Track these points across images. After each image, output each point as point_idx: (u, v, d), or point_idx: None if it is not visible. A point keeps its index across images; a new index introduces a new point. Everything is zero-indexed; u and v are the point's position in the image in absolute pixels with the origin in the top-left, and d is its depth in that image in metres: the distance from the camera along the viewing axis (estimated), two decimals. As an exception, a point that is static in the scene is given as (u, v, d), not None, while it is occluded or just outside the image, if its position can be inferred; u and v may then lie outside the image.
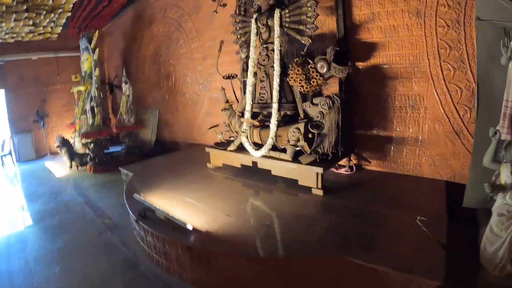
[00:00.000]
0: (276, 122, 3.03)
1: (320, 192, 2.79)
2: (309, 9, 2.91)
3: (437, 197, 2.59)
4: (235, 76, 3.63)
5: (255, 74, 3.28)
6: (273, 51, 3.12)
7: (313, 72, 2.94)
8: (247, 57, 3.38)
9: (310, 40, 2.97)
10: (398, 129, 3.12)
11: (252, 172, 3.31)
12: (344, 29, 3.23)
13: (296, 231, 2.21)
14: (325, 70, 2.89)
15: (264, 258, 2.00)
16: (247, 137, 3.23)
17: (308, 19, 2.94)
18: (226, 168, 3.55)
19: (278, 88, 3.08)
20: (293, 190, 2.92)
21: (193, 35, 4.83)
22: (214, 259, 2.13)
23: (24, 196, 4.49)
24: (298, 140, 2.93)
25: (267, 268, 2.01)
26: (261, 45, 3.25)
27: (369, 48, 3.17)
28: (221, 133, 3.62)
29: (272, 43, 3.13)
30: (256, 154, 3.14)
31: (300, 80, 2.97)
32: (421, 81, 2.94)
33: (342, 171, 3.31)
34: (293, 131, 2.95)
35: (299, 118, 3.09)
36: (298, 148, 2.96)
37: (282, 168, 3.00)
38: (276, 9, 3.05)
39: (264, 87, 3.23)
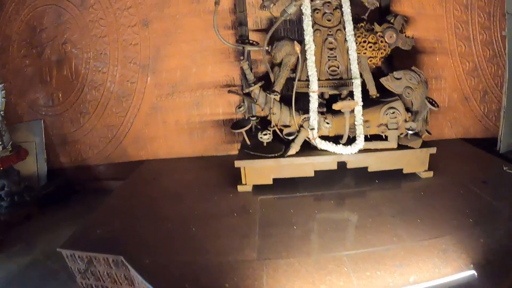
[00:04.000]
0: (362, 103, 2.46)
1: (430, 174, 2.59)
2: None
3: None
4: (254, 43, 2.63)
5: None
6: (340, 8, 2.46)
7: (381, 41, 2.58)
8: (283, 12, 2.45)
9: (377, 4, 2.62)
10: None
11: (314, 180, 2.55)
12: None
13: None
14: (394, 40, 2.60)
15: None
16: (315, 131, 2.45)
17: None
18: (277, 185, 2.53)
19: (357, 58, 2.47)
20: (397, 183, 2.56)
21: (119, -14, 3.10)
22: None
23: None
24: (397, 122, 2.50)
25: None
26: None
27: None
28: (270, 130, 2.54)
29: (335, -3, 2.46)
30: (347, 151, 2.43)
31: (372, 49, 2.57)
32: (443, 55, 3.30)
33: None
34: (390, 113, 2.48)
35: (372, 95, 2.65)
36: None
37: (385, 159, 2.53)
38: None
39: (335, 57, 2.49)
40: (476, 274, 1.61)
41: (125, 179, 3.09)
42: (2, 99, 3.01)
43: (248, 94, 2.70)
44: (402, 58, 3.04)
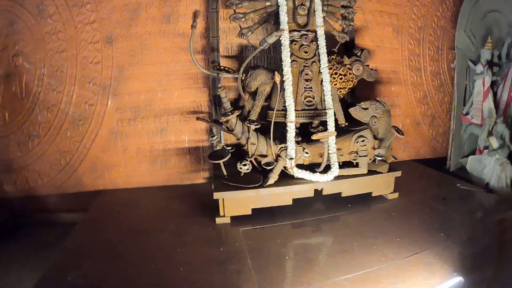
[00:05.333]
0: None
1: (396, 195, 2.87)
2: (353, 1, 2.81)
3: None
4: (230, 70, 2.64)
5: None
6: (315, 41, 2.61)
7: (349, 74, 2.83)
8: (263, 41, 2.51)
9: (347, 38, 2.88)
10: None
11: (289, 208, 2.60)
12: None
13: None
14: (360, 72, 2.86)
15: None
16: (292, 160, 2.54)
17: (347, 13, 2.82)
18: (255, 214, 2.53)
19: (331, 89, 2.63)
20: (368, 205, 2.78)
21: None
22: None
23: None
24: (366, 150, 2.70)
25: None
26: (293, 31, 2.59)
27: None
28: (248, 160, 2.56)
29: (312, 31, 2.62)
30: (324, 179, 2.55)
31: (342, 81, 2.80)
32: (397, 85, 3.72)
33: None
34: (359, 141, 2.68)
35: (341, 125, 2.86)
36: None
37: (355, 185, 2.72)
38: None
39: (311, 88, 2.61)
40: (463, 280, 1.87)
41: (84, 212, 2.85)
42: None
43: (218, 122, 2.71)
44: (363, 88, 3.31)
